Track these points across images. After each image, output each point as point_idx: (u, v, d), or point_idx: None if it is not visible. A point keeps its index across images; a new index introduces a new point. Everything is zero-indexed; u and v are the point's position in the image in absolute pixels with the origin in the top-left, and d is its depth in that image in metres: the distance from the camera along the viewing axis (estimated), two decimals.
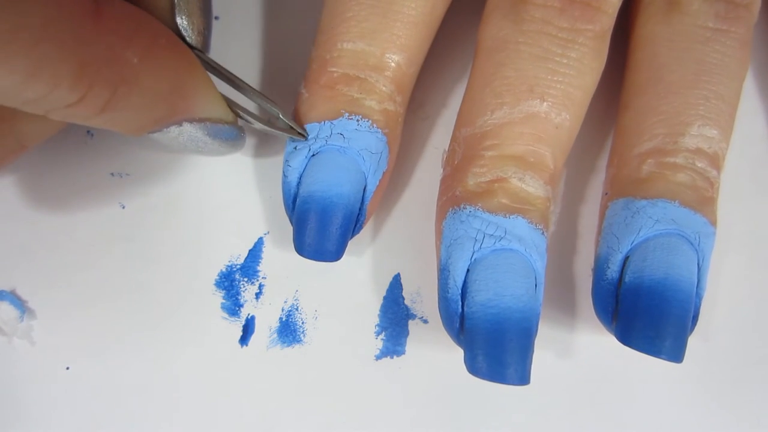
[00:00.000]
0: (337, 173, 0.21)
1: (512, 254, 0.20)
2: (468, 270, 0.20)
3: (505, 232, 0.20)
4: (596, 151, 0.25)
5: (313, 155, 0.22)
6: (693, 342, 0.23)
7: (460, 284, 0.20)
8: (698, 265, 0.20)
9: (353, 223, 0.22)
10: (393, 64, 0.22)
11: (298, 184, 0.22)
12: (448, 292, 0.20)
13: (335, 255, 0.21)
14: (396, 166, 0.25)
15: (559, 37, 0.20)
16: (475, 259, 0.20)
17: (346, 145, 0.21)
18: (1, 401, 0.23)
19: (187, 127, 0.20)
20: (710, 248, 0.20)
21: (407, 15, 0.22)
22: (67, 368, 0.23)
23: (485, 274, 0.19)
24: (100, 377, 0.23)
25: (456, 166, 0.21)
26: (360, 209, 0.22)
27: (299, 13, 0.27)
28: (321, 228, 0.21)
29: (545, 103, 0.20)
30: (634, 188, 0.21)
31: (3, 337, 0.23)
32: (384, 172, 0.22)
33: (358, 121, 0.21)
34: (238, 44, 0.27)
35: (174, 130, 0.20)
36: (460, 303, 0.20)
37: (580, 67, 0.20)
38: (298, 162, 0.22)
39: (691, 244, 0.20)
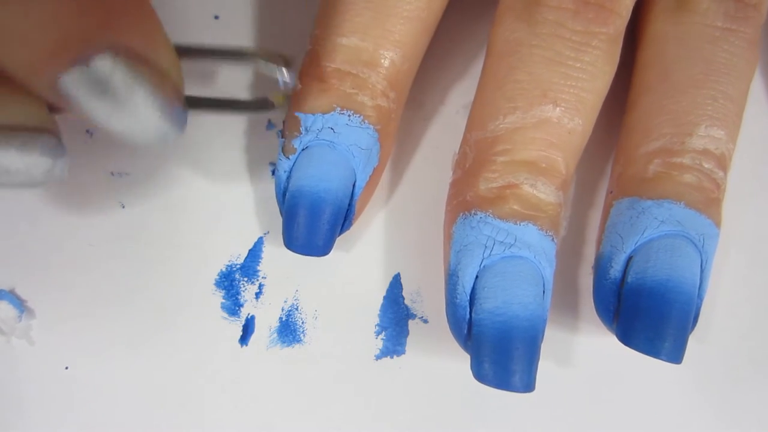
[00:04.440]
0: (325, 168, 0.21)
1: (521, 262, 0.20)
2: (477, 276, 0.20)
3: (515, 239, 0.20)
4: (602, 153, 0.25)
5: (304, 149, 0.22)
6: (693, 343, 0.23)
7: (468, 290, 0.20)
8: (701, 266, 0.20)
9: (342, 219, 0.22)
10: (386, 60, 0.22)
11: (288, 178, 0.22)
12: (457, 298, 0.20)
13: (323, 250, 0.21)
14: (396, 165, 0.25)
15: (573, 40, 0.20)
16: (484, 266, 0.20)
17: (336, 140, 0.21)
18: (0, 401, 0.23)
19: None
20: (714, 249, 0.20)
21: (402, 10, 0.22)
22: (66, 368, 0.23)
23: (494, 281, 0.19)
24: (100, 377, 0.23)
25: (467, 170, 0.21)
26: (349, 205, 0.22)
27: (299, 12, 0.27)
28: (308, 222, 0.21)
29: (558, 108, 0.20)
30: (640, 188, 0.21)
31: (2, 336, 0.23)
32: (375, 168, 0.22)
33: (349, 116, 0.21)
34: (238, 44, 0.27)
35: None
36: (468, 309, 0.20)
37: (593, 71, 0.20)
38: (291, 157, 0.22)
39: (695, 245, 0.20)
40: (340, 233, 0.22)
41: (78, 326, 0.24)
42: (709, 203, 0.20)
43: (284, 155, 0.22)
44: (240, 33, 0.27)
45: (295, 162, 0.22)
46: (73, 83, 0.14)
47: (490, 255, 0.20)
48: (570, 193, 0.22)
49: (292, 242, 0.21)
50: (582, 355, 0.23)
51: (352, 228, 0.24)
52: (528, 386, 0.19)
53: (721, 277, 0.24)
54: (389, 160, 0.25)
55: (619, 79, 0.23)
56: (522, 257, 0.20)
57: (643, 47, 0.22)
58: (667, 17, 0.22)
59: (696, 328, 0.21)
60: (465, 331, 0.20)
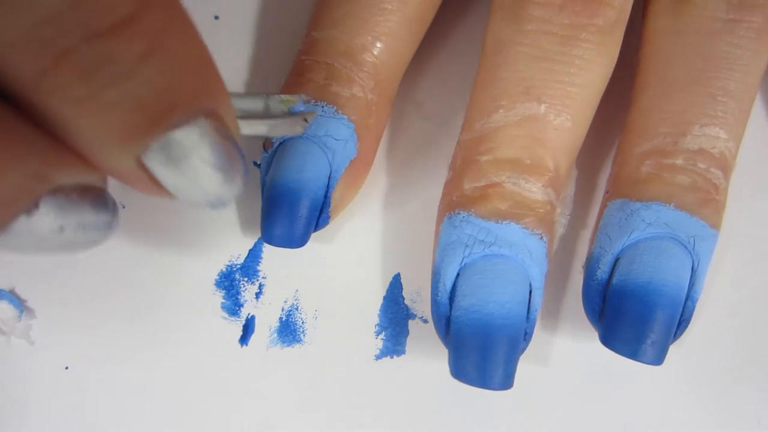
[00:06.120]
0: (296, 160, 0.21)
1: (502, 260, 0.20)
2: (458, 274, 0.20)
3: (496, 238, 0.20)
4: (609, 151, 0.25)
5: (280, 143, 0.22)
6: (693, 342, 0.23)
7: (449, 288, 0.20)
8: (693, 268, 0.20)
9: (316, 211, 0.22)
10: (362, 50, 0.22)
11: (267, 172, 0.22)
12: (438, 296, 0.20)
13: (295, 241, 0.21)
14: (395, 165, 0.25)
15: (560, 35, 0.20)
16: (464, 264, 0.20)
17: (309, 131, 0.21)
18: (0, 401, 0.23)
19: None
20: (708, 251, 0.20)
21: (379, 1, 0.21)
22: (66, 368, 0.23)
23: (472, 279, 0.20)
24: (100, 377, 0.23)
25: (455, 170, 0.21)
26: (325, 197, 0.22)
27: (299, 12, 0.27)
28: (279, 214, 0.21)
29: (543, 105, 0.20)
30: (632, 189, 0.21)
31: (2, 336, 0.23)
32: (353, 161, 0.22)
33: (322, 107, 0.21)
34: (238, 44, 0.27)
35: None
36: (448, 306, 0.20)
37: (583, 65, 0.20)
38: (269, 151, 0.22)
39: (685, 247, 0.20)
40: (318, 227, 0.22)
41: (78, 326, 0.23)
42: (703, 204, 0.20)
43: (264, 150, 0.22)
44: (240, 33, 0.27)
45: (272, 156, 0.22)
46: (166, 152, 0.13)
47: (470, 254, 0.20)
48: (569, 191, 0.21)
49: (264, 234, 0.21)
50: (582, 354, 0.23)
51: (353, 228, 0.24)
52: (503, 384, 0.19)
53: (721, 277, 0.24)
54: (389, 160, 0.25)
55: (627, 75, 0.23)
56: (503, 256, 0.20)
57: (644, 42, 0.22)
58: (667, 10, 0.21)
59: (696, 328, 0.21)
60: (445, 328, 0.20)
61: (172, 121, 0.13)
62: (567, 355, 0.23)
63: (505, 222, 0.20)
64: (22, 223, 0.12)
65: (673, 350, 0.22)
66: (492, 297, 0.19)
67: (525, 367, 0.23)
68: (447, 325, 0.20)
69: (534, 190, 0.20)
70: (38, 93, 0.12)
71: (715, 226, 0.20)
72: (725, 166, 0.20)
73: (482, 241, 0.20)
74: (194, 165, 0.13)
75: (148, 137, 0.13)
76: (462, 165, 0.21)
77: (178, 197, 0.14)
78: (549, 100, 0.20)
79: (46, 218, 0.12)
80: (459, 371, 0.19)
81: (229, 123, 0.14)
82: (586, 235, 0.24)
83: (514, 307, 0.19)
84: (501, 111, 0.20)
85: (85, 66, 0.11)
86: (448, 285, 0.20)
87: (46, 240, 0.13)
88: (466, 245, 0.20)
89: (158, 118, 0.12)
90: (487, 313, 0.19)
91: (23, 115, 0.12)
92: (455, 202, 0.21)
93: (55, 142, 0.12)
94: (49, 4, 0.11)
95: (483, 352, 0.19)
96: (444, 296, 0.20)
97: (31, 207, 0.12)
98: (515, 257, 0.19)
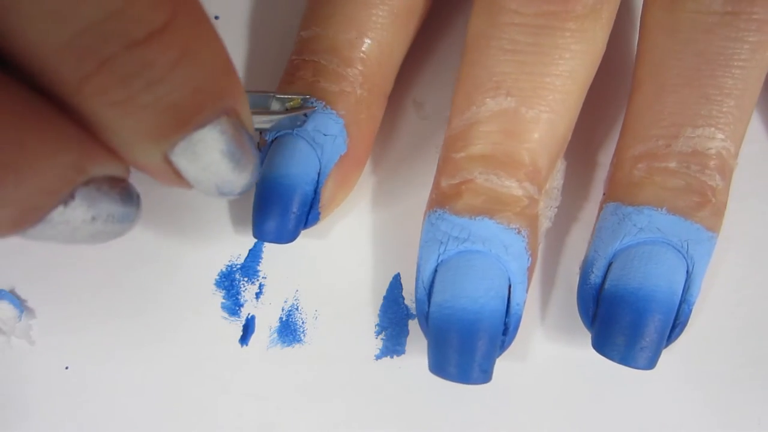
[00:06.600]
0: (285, 156, 0.21)
1: (476, 256, 0.20)
2: (436, 271, 0.20)
3: (470, 234, 0.20)
4: (607, 145, 0.25)
5: (272, 141, 0.22)
6: (693, 343, 0.23)
7: (427, 285, 0.20)
8: (688, 272, 0.20)
9: (304, 206, 0.22)
10: (348, 45, 0.22)
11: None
12: (418, 293, 0.21)
13: (282, 236, 0.22)
14: (396, 165, 0.25)
15: (531, 24, 0.19)
16: (441, 261, 0.20)
17: (299, 128, 0.21)
18: (0, 401, 0.23)
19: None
20: (705, 254, 0.20)
21: None
22: (66, 368, 0.23)
23: (446, 276, 0.20)
24: (100, 377, 0.23)
25: (437, 169, 0.21)
26: (315, 192, 0.22)
27: (299, 13, 0.27)
28: (267, 209, 0.21)
29: (513, 99, 0.19)
30: (624, 193, 0.20)
31: (2, 336, 0.23)
32: (343, 157, 0.22)
33: (311, 103, 0.22)
34: (238, 44, 0.27)
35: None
36: (427, 303, 0.20)
37: (558, 53, 0.19)
38: (263, 149, 0.22)
39: (679, 251, 0.20)
40: (308, 224, 0.22)
41: (78, 326, 0.23)
42: (698, 207, 0.20)
43: (259, 149, 0.22)
44: (240, 33, 0.27)
45: (266, 153, 0.22)
46: (191, 148, 0.14)
47: (445, 250, 0.20)
48: (555, 183, 0.21)
49: (254, 229, 0.22)
50: (582, 354, 0.23)
51: (353, 228, 0.24)
52: (479, 379, 0.19)
53: (721, 277, 0.24)
54: (390, 160, 0.25)
55: (626, 72, 0.22)
56: (477, 251, 0.19)
57: (640, 38, 0.21)
58: (662, 4, 0.20)
59: (696, 329, 0.21)
60: (426, 326, 0.20)
61: (199, 121, 0.14)
62: (568, 355, 0.23)
63: (478, 218, 0.20)
64: (59, 213, 0.13)
65: (673, 350, 0.22)
66: (464, 293, 0.19)
67: (527, 367, 0.23)
68: (426, 322, 0.20)
69: (509, 184, 0.20)
70: (79, 95, 0.12)
71: (712, 228, 0.20)
72: (722, 167, 0.20)
73: (456, 237, 0.20)
74: (215, 159, 0.14)
75: (176, 136, 0.14)
76: (440, 163, 0.21)
77: (196, 187, 0.15)
78: (519, 93, 0.19)
79: (80, 209, 0.13)
80: (436, 366, 0.19)
81: (245, 119, 0.15)
82: (583, 232, 0.24)
83: (488, 302, 0.19)
84: (473, 108, 0.20)
85: (124, 72, 0.12)
86: (427, 282, 0.20)
87: (78, 230, 0.14)
88: (441, 242, 0.20)
89: (187, 119, 0.13)
90: (460, 308, 0.19)
91: (62, 111, 0.13)
92: (434, 200, 0.21)
93: (89, 135, 0.13)
94: (91, 15, 0.11)
95: (457, 347, 0.19)
96: (423, 294, 0.20)
97: (67, 197, 0.13)
98: (489, 252, 0.19)
